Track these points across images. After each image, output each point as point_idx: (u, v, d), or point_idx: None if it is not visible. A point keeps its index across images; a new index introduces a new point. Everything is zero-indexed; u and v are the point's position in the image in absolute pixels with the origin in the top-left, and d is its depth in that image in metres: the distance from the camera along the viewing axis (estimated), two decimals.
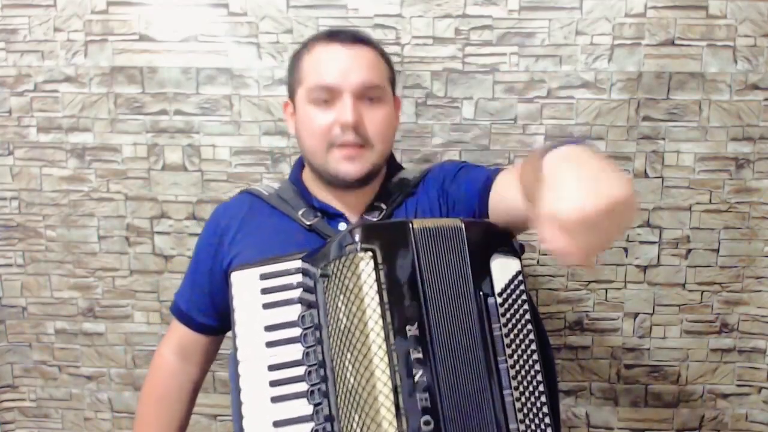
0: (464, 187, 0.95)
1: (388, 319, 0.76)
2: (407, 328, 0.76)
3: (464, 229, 0.82)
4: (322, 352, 0.81)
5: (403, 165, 1.09)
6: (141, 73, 1.26)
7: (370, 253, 0.78)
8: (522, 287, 0.83)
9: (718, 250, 1.28)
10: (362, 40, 0.95)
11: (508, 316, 0.81)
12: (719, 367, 1.32)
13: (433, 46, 1.23)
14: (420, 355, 0.75)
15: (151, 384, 1.05)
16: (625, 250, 1.28)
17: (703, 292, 1.29)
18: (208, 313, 1.01)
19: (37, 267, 1.34)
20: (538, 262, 1.29)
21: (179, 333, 1.04)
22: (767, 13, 1.20)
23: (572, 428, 1.35)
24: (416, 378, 0.74)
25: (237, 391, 0.84)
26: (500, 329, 0.79)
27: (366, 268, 0.77)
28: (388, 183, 1.00)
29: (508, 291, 0.82)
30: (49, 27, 1.26)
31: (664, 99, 1.23)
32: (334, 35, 0.94)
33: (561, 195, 0.57)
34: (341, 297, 0.78)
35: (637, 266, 1.29)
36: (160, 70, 1.26)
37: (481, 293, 0.80)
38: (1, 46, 1.27)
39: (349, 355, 0.76)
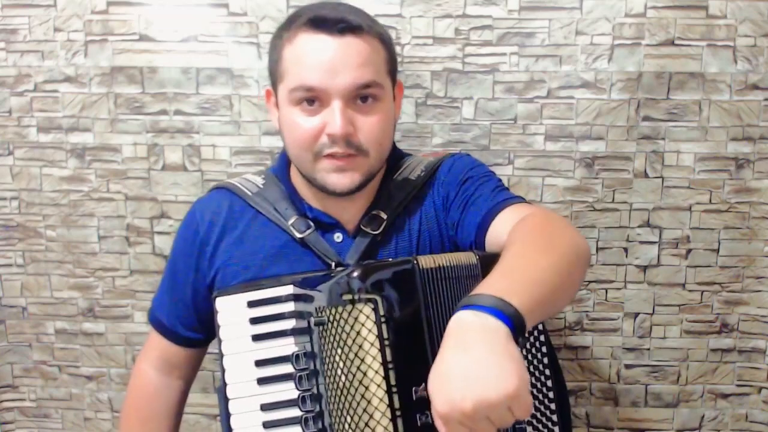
0: (465, 213, 0.86)
1: (392, 380, 0.67)
2: (414, 389, 0.67)
3: (479, 266, 0.74)
4: (319, 393, 0.74)
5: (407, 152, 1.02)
6: (141, 73, 1.26)
7: (371, 304, 0.68)
8: (540, 327, 0.76)
9: (718, 250, 1.28)
10: (355, 28, 0.79)
11: (526, 363, 0.72)
12: (719, 367, 1.32)
13: (433, 46, 1.23)
14: (428, 420, 0.66)
15: (134, 406, 0.97)
16: (625, 250, 1.28)
17: (703, 292, 1.29)
18: (194, 327, 0.94)
19: (37, 267, 1.34)
20: None
21: (161, 347, 0.96)
22: (767, 13, 1.20)
23: (572, 428, 1.35)
24: None
25: (228, 430, 0.78)
26: None
27: (366, 322, 0.68)
28: (389, 182, 0.91)
29: (526, 335, 0.75)
30: (49, 27, 1.26)
31: (664, 99, 1.23)
32: (320, 23, 0.79)
33: (439, 387, 0.56)
34: (339, 351, 0.70)
35: (637, 266, 1.29)
36: (160, 70, 1.26)
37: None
38: (1, 46, 1.27)
39: (349, 419, 0.69)
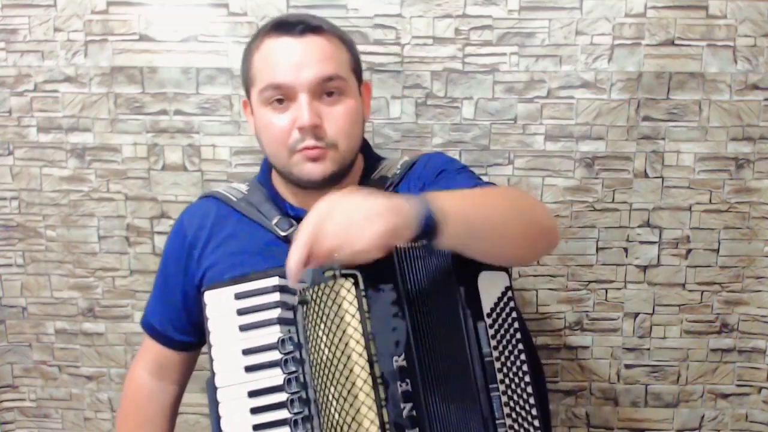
0: None
1: (373, 350, 0.71)
2: (394, 359, 0.71)
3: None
4: (304, 380, 0.77)
5: (383, 155, 1.05)
6: (141, 73, 1.26)
7: (351, 279, 0.72)
8: (511, 304, 0.79)
9: (718, 250, 1.28)
10: (315, 28, 0.86)
11: (498, 337, 0.77)
12: (719, 367, 1.32)
13: (433, 46, 1.23)
14: (408, 388, 0.71)
15: (129, 410, 0.99)
16: (625, 250, 1.29)
17: (703, 292, 1.29)
18: (186, 330, 0.97)
19: (37, 267, 1.34)
20: (538, 261, 1.29)
21: (155, 351, 0.98)
22: (767, 13, 1.20)
23: (572, 428, 1.35)
24: (405, 412, 0.70)
25: (217, 418, 0.80)
26: (491, 354, 0.76)
27: (347, 296, 0.72)
28: (366, 180, 0.95)
29: (497, 310, 0.78)
30: (49, 27, 1.26)
31: (664, 99, 1.23)
32: (283, 26, 0.86)
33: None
34: (321, 326, 0.73)
35: (637, 266, 1.29)
36: (160, 70, 1.26)
37: (470, 316, 0.77)
38: (1, 46, 1.27)
39: (332, 390, 0.72)
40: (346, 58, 0.89)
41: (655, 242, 1.28)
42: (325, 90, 0.85)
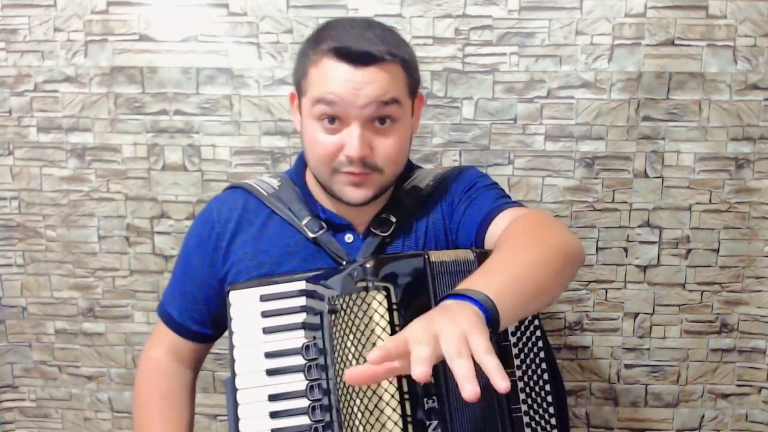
0: (466, 215, 0.89)
1: None
2: None
3: (476, 262, 0.78)
4: (328, 387, 0.76)
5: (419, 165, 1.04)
6: (141, 73, 1.26)
7: (383, 292, 0.71)
8: (536, 322, 0.79)
9: (718, 250, 1.28)
10: (376, 59, 0.80)
11: (522, 356, 0.77)
12: (719, 367, 1.32)
13: (433, 46, 1.23)
14: (435, 405, 0.71)
15: (148, 386, 0.97)
16: (625, 250, 1.29)
17: (703, 292, 1.29)
18: (204, 322, 0.95)
19: (37, 267, 1.34)
20: None
21: (169, 340, 0.97)
22: (767, 13, 1.20)
23: (572, 428, 1.35)
24: (430, 429, 0.70)
25: (235, 420, 0.79)
26: (514, 374, 0.76)
27: (379, 308, 0.71)
28: (399, 189, 0.94)
29: (522, 329, 0.78)
30: (49, 27, 1.26)
31: (664, 99, 1.23)
32: (345, 54, 0.80)
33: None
34: (350, 336, 0.72)
35: (637, 266, 1.29)
36: (160, 70, 1.26)
37: (495, 334, 0.75)
38: (1, 46, 1.27)
39: (358, 402, 0.71)
40: (404, 83, 0.85)
41: (655, 242, 1.28)
42: (378, 116, 0.82)
